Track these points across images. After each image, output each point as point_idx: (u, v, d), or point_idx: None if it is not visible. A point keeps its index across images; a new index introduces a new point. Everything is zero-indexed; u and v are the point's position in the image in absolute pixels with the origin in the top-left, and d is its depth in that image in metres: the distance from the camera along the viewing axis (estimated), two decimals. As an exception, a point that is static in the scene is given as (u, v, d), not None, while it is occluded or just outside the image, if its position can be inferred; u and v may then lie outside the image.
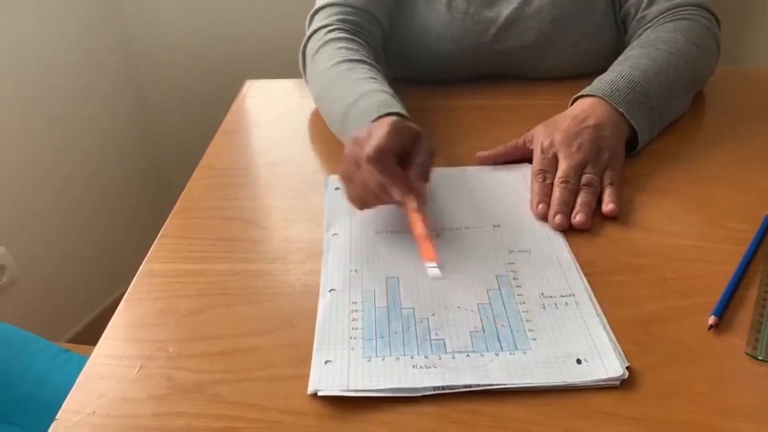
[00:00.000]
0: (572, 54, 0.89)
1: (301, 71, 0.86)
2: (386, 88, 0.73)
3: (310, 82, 0.83)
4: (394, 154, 0.58)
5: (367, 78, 0.75)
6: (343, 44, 0.80)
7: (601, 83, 0.73)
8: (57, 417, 0.46)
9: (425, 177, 0.61)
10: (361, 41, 0.83)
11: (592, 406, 0.44)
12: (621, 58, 0.79)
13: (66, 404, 0.47)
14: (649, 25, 0.84)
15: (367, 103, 0.70)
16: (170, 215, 0.67)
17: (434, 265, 0.53)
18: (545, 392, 0.45)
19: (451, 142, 0.78)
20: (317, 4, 0.87)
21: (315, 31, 0.84)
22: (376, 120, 0.65)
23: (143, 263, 0.60)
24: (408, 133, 0.61)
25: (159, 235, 0.64)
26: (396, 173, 0.58)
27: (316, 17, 0.86)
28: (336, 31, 0.82)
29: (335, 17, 0.84)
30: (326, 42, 0.81)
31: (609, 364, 0.46)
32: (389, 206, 0.62)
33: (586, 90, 0.74)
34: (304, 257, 0.60)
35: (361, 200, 0.61)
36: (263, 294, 0.56)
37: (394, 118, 0.62)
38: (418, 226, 0.56)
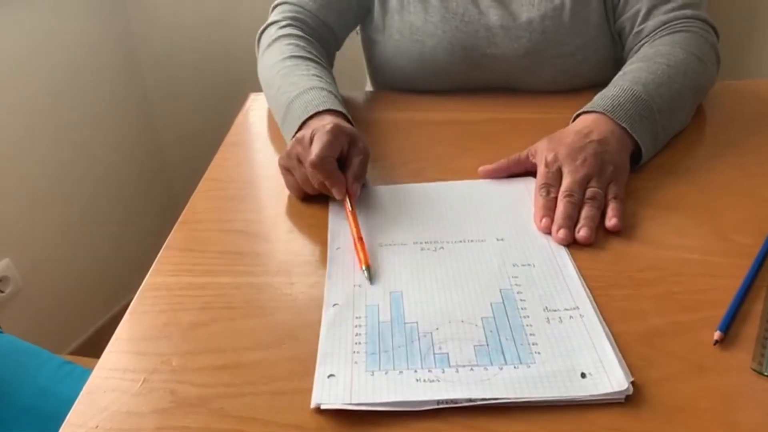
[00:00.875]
0: (568, 65, 0.89)
1: (257, 60, 0.91)
2: (329, 86, 0.79)
3: (261, 75, 0.88)
4: (334, 159, 0.65)
5: (310, 75, 0.80)
6: (293, 41, 0.86)
7: (602, 99, 0.74)
8: (61, 431, 0.45)
9: (361, 177, 0.68)
10: (311, 39, 0.89)
11: (597, 422, 0.44)
12: (621, 73, 0.79)
13: (69, 417, 0.47)
14: (647, 39, 0.84)
15: (309, 97, 0.75)
16: (174, 227, 0.67)
17: (364, 270, 0.58)
18: (550, 408, 0.45)
19: (452, 155, 0.78)
20: None
21: (270, 24, 0.90)
22: (312, 117, 0.72)
23: (147, 276, 0.60)
24: (345, 137, 0.67)
25: (163, 247, 0.64)
26: (337, 178, 0.65)
27: (275, 11, 0.93)
28: (288, 27, 0.89)
29: (289, 14, 0.90)
30: (278, 37, 0.87)
31: (614, 378, 0.46)
32: (390, 216, 0.67)
33: (588, 106, 0.74)
34: (308, 271, 0.60)
35: (299, 192, 0.69)
36: (267, 307, 0.56)
37: (333, 123, 0.67)
38: (353, 231, 0.62)
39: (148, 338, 0.53)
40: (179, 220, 0.68)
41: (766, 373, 0.47)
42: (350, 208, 0.64)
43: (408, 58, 0.91)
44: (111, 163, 1.69)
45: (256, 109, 0.94)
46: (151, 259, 0.62)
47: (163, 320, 0.55)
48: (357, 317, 0.53)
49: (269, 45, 0.88)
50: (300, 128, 0.72)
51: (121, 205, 1.74)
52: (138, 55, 1.73)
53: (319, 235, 0.65)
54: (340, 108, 0.74)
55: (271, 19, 0.91)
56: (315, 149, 0.64)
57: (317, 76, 0.80)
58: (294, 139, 0.68)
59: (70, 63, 1.53)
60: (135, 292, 0.58)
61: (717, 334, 0.50)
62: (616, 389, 0.45)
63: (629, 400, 0.45)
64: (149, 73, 1.75)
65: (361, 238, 0.61)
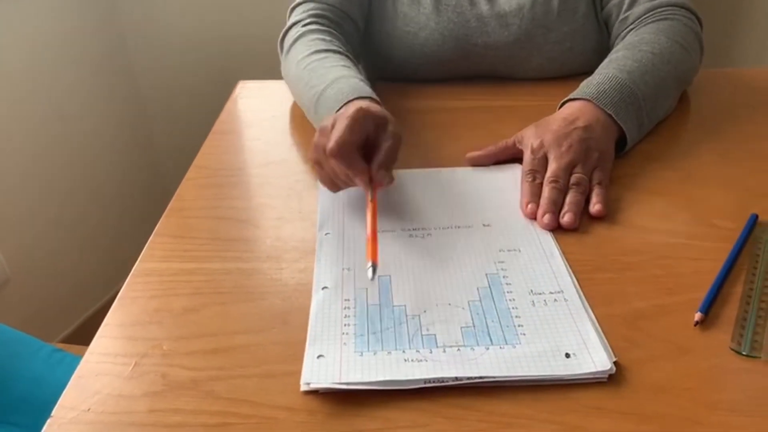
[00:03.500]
0: (557, 53, 0.90)
1: (281, 62, 0.90)
2: (357, 74, 0.77)
3: (287, 73, 0.87)
4: (357, 145, 0.60)
5: (339, 65, 0.78)
6: (318, 36, 0.85)
7: (588, 86, 0.74)
8: (52, 414, 0.46)
9: (389, 164, 0.62)
10: (336, 34, 0.88)
11: (580, 400, 0.45)
12: (606, 61, 0.80)
13: (61, 401, 0.47)
14: (632, 26, 0.85)
15: (337, 88, 0.73)
16: (164, 214, 0.67)
17: (369, 265, 0.54)
18: (535, 387, 0.46)
19: (440, 143, 0.79)
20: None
21: (292, 25, 0.88)
22: (346, 104, 0.69)
23: (137, 262, 0.61)
24: (371, 121, 0.62)
25: (153, 233, 0.64)
26: (357, 166, 0.60)
27: (295, 11, 0.91)
28: (311, 25, 0.87)
29: (312, 12, 0.88)
30: (302, 34, 0.85)
31: (597, 359, 0.47)
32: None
33: (574, 94, 0.75)
34: (297, 256, 0.60)
35: (332, 184, 0.65)
36: (256, 292, 0.56)
37: (357, 106, 0.62)
38: (369, 224, 0.58)
39: (138, 323, 0.54)
40: (168, 207, 0.69)
41: (744, 353, 0.48)
42: (369, 198, 0.60)
43: (399, 48, 0.92)
44: (100, 152, 1.69)
45: (245, 97, 0.95)
46: (141, 247, 0.62)
47: (153, 305, 0.55)
48: (346, 300, 0.54)
49: (294, 43, 0.86)
50: None
51: (110, 194, 1.74)
52: (126, 43, 1.71)
53: (308, 220, 0.65)
54: (372, 95, 0.72)
55: (293, 19, 0.89)
56: (333, 136, 0.60)
57: (345, 66, 0.78)
58: (318, 128, 0.64)
59: (57, 51, 1.52)
60: (125, 280, 0.59)
61: (698, 316, 0.51)
62: (599, 369, 0.46)
63: (612, 380, 0.46)
64: (138, 61, 1.74)
65: (374, 233, 0.57)
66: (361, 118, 0.61)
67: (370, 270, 0.54)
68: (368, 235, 0.57)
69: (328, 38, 0.85)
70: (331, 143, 0.59)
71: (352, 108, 0.62)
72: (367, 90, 0.72)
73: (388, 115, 0.64)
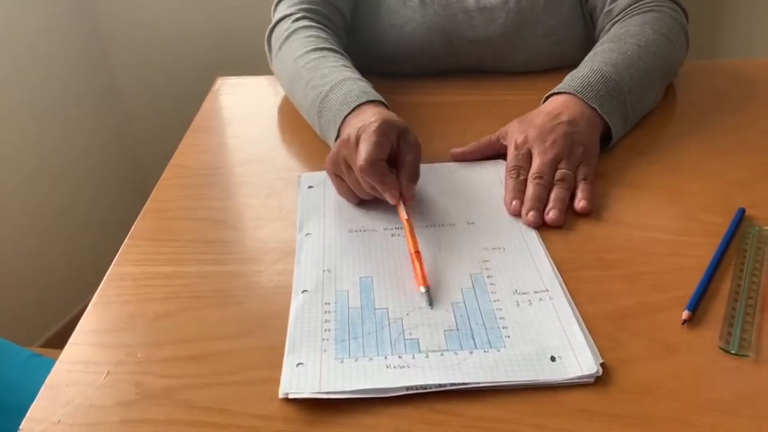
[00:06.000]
0: (544, 46, 0.89)
1: (268, 59, 0.87)
2: (360, 75, 0.75)
3: (280, 70, 0.84)
4: (385, 160, 0.60)
5: (340, 65, 0.76)
6: (313, 32, 0.82)
7: (572, 80, 0.73)
8: (21, 427, 0.44)
9: (415, 177, 0.62)
10: (329, 30, 0.85)
11: (566, 403, 0.44)
12: (591, 53, 0.79)
13: (30, 413, 0.45)
14: (617, 18, 0.84)
15: (345, 90, 0.70)
16: (139, 216, 0.65)
17: (423, 290, 0.52)
18: (520, 390, 0.45)
19: (423, 138, 0.77)
20: None
21: (281, 19, 0.85)
22: (356, 109, 0.67)
23: (111, 266, 0.59)
24: (395, 134, 0.61)
25: (128, 236, 0.62)
26: (389, 182, 0.59)
27: (281, 5, 0.88)
28: (303, 20, 0.84)
29: (300, 6, 0.85)
30: (294, 30, 0.82)
31: (583, 361, 0.46)
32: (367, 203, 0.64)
33: (559, 87, 0.74)
34: (277, 258, 0.59)
35: (353, 196, 0.63)
36: (234, 296, 0.55)
37: (380, 119, 0.61)
38: (410, 244, 0.56)
39: (112, 330, 0.52)
40: (144, 208, 0.67)
41: (733, 352, 0.47)
42: (405, 216, 0.58)
43: (385, 42, 0.90)
44: (76, 151, 1.66)
45: (224, 94, 0.93)
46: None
47: (128, 311, 0.54)
48: (326, 303, 0.53)
49: (287, 38, 0.82)
50: (342, 124, 0.68)
51: (88, 196, 1.71)
52: (102, 36, 1.68)
53: (287, 219, 0.64)
54: (380, 98, 0.70)
55: (281, 13, 0.86)
56: (362, 152, 0.58)
57: (346, 66, 0.76)
58: (339, 141, 0.62)
59: (30, 46, 1.49)
60: (103, 284, 0.57)
61: (685, 314, 0.50)
62: (586, 372, 0.45)
63: (599, 381, 0.45)
64: (115, 55, 1.71)
65: (418, 253, 0.55)
66: (387, 132, 0.60)
67: (426, 296, 0.52)
68: (412, 257, 0.55)
69: (323, 35, 0.82)
70: (362, 160, 0.58)
71: (375, 122, 0.61)
72: (375, 93, 0.70)
73: (406, 125, 0.63)
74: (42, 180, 1.56)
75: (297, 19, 0.84)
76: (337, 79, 0.72)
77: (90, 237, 1.71)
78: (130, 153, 1.85)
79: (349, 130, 0.62)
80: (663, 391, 0.44)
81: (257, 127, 0.84)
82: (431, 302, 0.51)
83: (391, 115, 0.64)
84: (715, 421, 0.42)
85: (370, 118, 0.62)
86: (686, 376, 0.46)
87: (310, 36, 0.81)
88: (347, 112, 0.68)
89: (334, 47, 0.80)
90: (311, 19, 0.84)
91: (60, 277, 1.63)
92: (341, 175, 0.63)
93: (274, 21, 0.86)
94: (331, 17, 0.87)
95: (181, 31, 1.67)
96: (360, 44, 0.92)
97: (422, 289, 0.52)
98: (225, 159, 0.78)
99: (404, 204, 0.60)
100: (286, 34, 0.83)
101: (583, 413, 0.43)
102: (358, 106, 0.68)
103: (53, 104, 1.56)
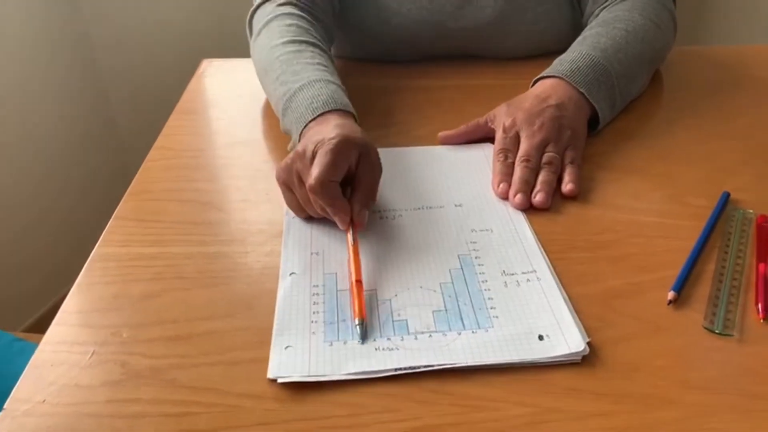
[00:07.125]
0: (532, 33, 0.88)
1: (249, 42, 0.83)
2: (334, 78, 0.70)
3: (256, 57, 0.80)
4: (338, 181, 0.56)
5: (315, 63, 0.72)
6: (294, 21, 0.78)
7: (561, 64, 0.73)
8: (5, 407, 0.44)
9: (370, 201, 0.59)
10: (312, 20, 0.81)
11: (554, 381, 0.44)
12: (580, 38, 0.79)
13: (14, 393, 0.45)
14: (606, 4, 0.84)
15: (312, 93, 0.66)
16: (124, 197, 0.65)
17: (357, 322, 0.48)
18: (508, 369, 0.45)
19: (412, 122, 0.77)
20: None
21: (264, 1, 0.81)
22: (320, 116, 0.63)
23: (96, 247, 0.58)
24: (354, 152, 0.57)
25: (112, 217, 0.62)
26: (339, 205, 0.56)
27: None
28: (287, 5, 0.80)
29: None
30: (276, 16, 0.78)
31: (571, 340, 0.46)
32: None
33: (547, 71, 0.74)
34: (264, 239, 0.58)
35: (300, 211, 0.60)
36: (220, 277, 0.54)
37: (340, 136, 0.57)
38: (352, 272, 0.52)
39: (96, 310, 0.51)
40: (129, 189, 0.66)
41: (717, 331, 0.48)
42: (351, 242, 0.55)
43: (373, 34, 0.89)
44: (60, 135, 1.64)
45: (210, 75, 0.92)
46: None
47: (112, 292, 0.53)
48: (315, 286, 0.52)
49: (267, 23, 0.78)
50: (304, 129, 0.64)
51: (73, 178, 1.69)
52: (85, 18, 1.66)
53: (274, 202, 0.63)
54: (348, 108, 0.66)
55: None
56: (315, 171, 0.55)
57: (321, 65, 0.71)
58: (294, 152, 0.58)
59: (13, 33, 1.46)
60: (89, 268, 0.56)
61: (671, 295, 0.50)
62: (573, 350, 0.45)
63: (586, 360, 0.45)
64: (98, 39, 1.69)
65: (360, 282, 0.51)
66: (345, 151, 0.56)
67: (358, 328, 0.48)
68: (351, 286, 0.51)
69: (304, 25, 0.78)
70: (312, 179, 0.54)
71: (335, 138, 0.57)
72: (344, 101, 0.66)
73: (369, 142, 0.60)
74: (22, 164, 1.53)
75: (281, 4, 0.80)
76: (308, 79, 0.68)
77: (72, 222, 1.69)
78: (115, 137, 1.82)
79: (307, 143, 0.58)
80: (649, 369, 0.45)
81: (243, 109, 0.83)
82: (364, 336, 0.47)
83: (355, 130, 0.60)
84: (700, 399, 0.43)
85: (330, 132, 0.58)
86: (672, 355, 0.46)
87: (291, 24, 0.77)
88: (311, 118, 0.64)
89: (313, 40, 0.76)
90: (295, 5, 0.80)
91: (45, 261, 1.62)
92: (293, 188, 0.58)
93: (256, 2, 0.83)
94: (318, 2, 0.83)
95: (166, 13, 1.64)
96: (349, 30, 0.91)
97: (357, 321, 0.48)
98: (211, 141, 0.77)
99: (353, 230, 0.56)
100: (267, 18, 0.79)
101: (571, 391, 0.43)
102: (323, 113, 0.64)
103: (36, 85, 1.54)
